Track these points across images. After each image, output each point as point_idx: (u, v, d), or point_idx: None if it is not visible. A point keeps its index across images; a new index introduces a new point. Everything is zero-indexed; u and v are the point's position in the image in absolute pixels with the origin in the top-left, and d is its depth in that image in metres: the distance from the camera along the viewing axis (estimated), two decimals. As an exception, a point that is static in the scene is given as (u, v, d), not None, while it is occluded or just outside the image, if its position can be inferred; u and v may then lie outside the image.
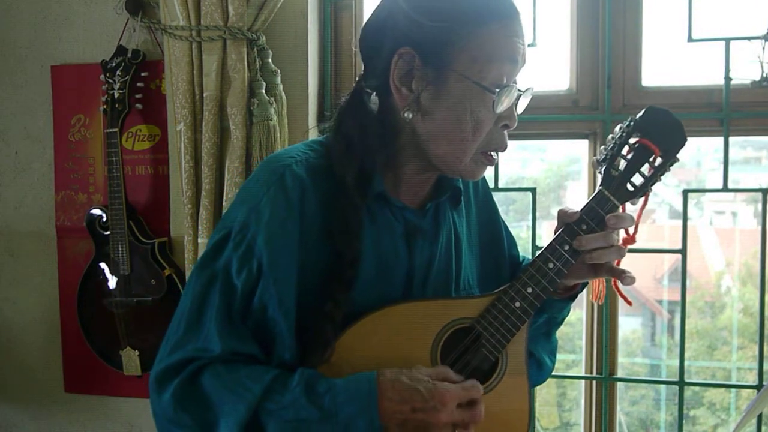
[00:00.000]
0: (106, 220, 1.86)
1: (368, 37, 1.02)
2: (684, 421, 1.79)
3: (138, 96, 1.87)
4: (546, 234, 1.98)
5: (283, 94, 1.75)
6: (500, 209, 1.24)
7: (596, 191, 1.03)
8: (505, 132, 1.01)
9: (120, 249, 1.84)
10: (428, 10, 0.95)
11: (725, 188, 1.75)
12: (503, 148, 1.01)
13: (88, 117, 1.96)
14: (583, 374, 1.90)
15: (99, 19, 1.92)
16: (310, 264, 0.96)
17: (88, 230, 1.90)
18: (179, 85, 1.71)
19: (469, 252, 1.14)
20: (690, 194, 1.76)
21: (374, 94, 1.01)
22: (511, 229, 1.27)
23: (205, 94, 1.70)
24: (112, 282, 1.88)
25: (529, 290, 1.01)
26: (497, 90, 0.94)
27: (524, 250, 1.30)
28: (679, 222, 1.77)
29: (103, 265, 1.90)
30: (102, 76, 1.86)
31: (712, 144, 2.55)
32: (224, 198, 1.70)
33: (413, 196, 1.06)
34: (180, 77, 1.71)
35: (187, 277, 1.52)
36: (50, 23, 1.97)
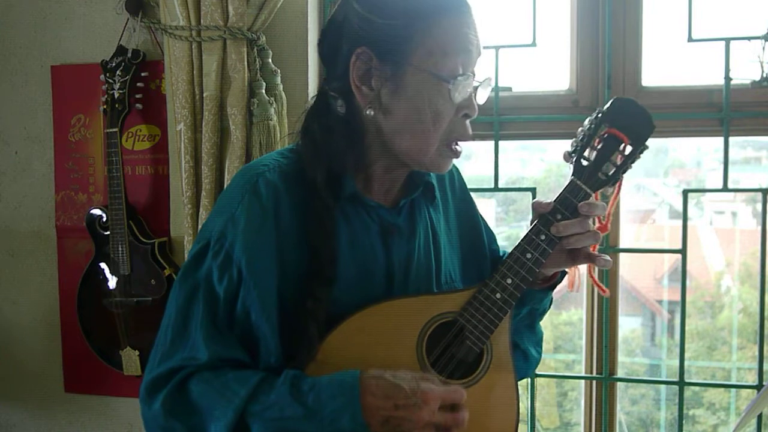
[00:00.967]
0: (106, 220, 1.87)
1: (326, 40, 1.05)
2: (684, 421, 1.79)
3: (138, 96, 1.87)
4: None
5: (283, 94, 1.75)
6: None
7: (568, 181, 1.06)
8: (467, 122, 1.03)
9: (120, 249, 1.84)
10: (381, 9, 0.98)
11: (725, 188, 1.75)
12: (466, 137, 1.03)
13: (88, 117, 1.97)
14: (583, 374, 1.90)
15: (99, 19, 1.93)
16: (290, 268, 0.97)
17: (88, 230, 1.91)
18: (179, 85, 1.71)
19: (449, 246, 1.15)
20: (690, 194, 1.77)
21: (338, 96, 1.03)
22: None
23: (205, 94, 1.70)
24: (112, 282, 1.88)
25: (509, 281, 1.03)
26: (453, 80, 0.97)
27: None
28: (679, 222, 1.77)
29: (103, 265, 1.90)
30: (102, 76, 1.86)
31: (712, 144, 2.55)
32: (224, 198, 1.70)
33: (386, 194, 1.07)
34: (180, 77, 1.71)
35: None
36: (50, 23, 1.97)
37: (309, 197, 0.99)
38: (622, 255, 1.83)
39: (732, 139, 1.72)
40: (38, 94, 2.00)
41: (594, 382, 1.86)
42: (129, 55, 1.85)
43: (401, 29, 0.97)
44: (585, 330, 1.89)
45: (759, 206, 1.73)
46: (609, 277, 1.80)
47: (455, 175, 1.20)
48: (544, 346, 1.26)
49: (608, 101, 1.07)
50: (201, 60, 1.71)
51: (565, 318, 2.91)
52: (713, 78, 1.74)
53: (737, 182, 2.19)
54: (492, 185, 1.84)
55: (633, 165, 1.06)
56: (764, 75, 1.69)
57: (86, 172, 1.98)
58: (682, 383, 1.78)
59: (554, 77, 1.86)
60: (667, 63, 1.85)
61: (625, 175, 1.07)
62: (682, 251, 1.76)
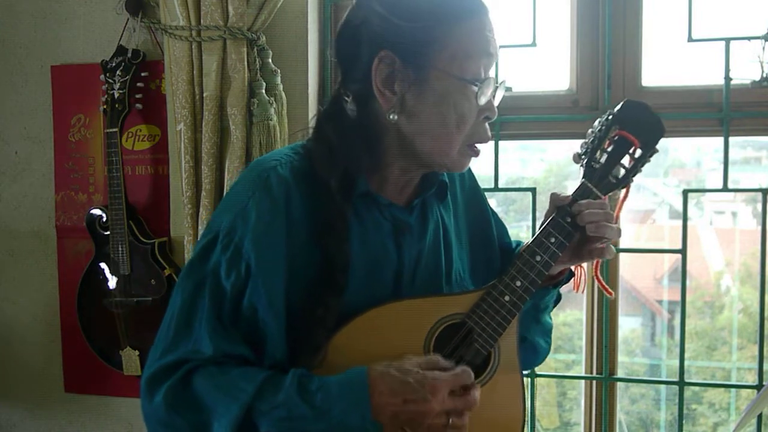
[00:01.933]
0: (106, 220, 1.87)
1: (344, 43, 1.03)
2: (684, 421, 1.79)
3: (138, 96, 1.87)
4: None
5: (283, 94, 1.75)
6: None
7: (579, 184, 1.05)
8: (486, 124, 1.03)
9: (120, 249, 1.84)
10: (404, 12, 0.97)
11: (725, 188, 1.75)
12: (486, 139, 1.03)
13: (88, 117, 1.97)
14: (583, 374, 1.90)
15: (99, 19, 1.93)
16: (299, 265, 0.97)
17: (88, 230, 1.91)
18: (179, 85, 1.71)
19: (459, 244, 1.14)
20: (690, 194, 1.77)
21: (352, 99, 1.02)
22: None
23: (205, 94, 1.70)
24: (112, 282, 1.88)
25: (518, 283, 1.02)
26: (478, 83, 0.97)
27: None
28: (679, 222, 1.77)
29: (103, 265, 1.90)
30: (102, 76, 1.86)
31: (712, 144, 2.55)
32: (224, 198, 1.70)
33: (399, 193, 1.07)
34: (180, 77, 1.71)
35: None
36: (50, 23, 1.97)
37: (321, 199, 0.98)
38: (622, 255, 1.82)
39: (732, 139, 1.72)
40: (38, 94, 2.00)
41: (594, 382, 1.86)
42: (129, 55, 1.85)
43: (425, 32, 0.96)
44: (585, 330, 1.88)
45: (759, 206, 1.73)
46: (609, 277, 1.80)
47: (465, 172, 1.19)
48: (545, 346, 1.25)
49: (619, 103, 1.06)
50: (201, 60, 1.71)
51: (565, 318, 2.91)
52: (713, 78, 1.74)
53: (737, 182, 2.19)
54: (492, 185, 1.84)
55: (642, 169, 1.06)
56: (764, 75, 1.69)
57: (86, 172, 1.98)
58: (682, 383, 1.77)
59: (554, 77, 1.86)
60: (667, 63, 1.85)
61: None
62: (682, 251, 1.76)
